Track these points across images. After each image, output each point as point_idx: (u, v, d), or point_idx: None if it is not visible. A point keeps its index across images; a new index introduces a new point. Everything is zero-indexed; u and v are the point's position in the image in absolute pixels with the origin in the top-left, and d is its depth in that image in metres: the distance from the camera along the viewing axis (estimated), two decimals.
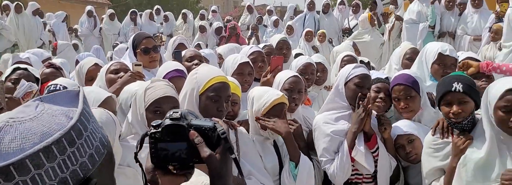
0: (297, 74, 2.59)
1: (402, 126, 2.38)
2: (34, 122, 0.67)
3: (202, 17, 10.68)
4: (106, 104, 1.98)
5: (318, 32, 7.33)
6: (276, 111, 2.17)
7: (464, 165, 1.97)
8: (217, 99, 1.94)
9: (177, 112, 0.95)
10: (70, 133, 0.68)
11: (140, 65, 2.70)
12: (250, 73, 2.83)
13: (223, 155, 0.94)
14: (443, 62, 2.77)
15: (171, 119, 0.94)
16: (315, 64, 3.27)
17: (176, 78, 2.53)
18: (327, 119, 2.38)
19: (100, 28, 10.33)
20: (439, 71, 2.77)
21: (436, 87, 2.21)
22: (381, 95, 2.51)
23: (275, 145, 2.28)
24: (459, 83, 2.00)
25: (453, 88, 2.01)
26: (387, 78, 2.67)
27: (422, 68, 2.87)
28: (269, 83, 2.74)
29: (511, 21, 5.56)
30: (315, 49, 6.82)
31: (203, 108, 1.95)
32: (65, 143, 0.67)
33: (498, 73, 2.83)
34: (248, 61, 2.86)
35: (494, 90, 1.88)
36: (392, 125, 2.40)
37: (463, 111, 2.00)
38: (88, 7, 10.62)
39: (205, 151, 0.92)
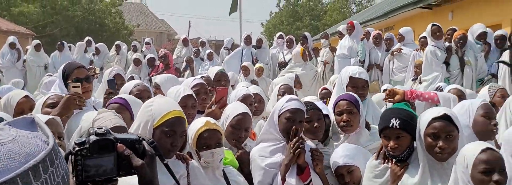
0: (246, 111, 2.58)
1: (342, 156, 2.44)
2: (14, 143, 0.71)
3: (135, 49, 10.43)
4: (50, 125, 1.84)
5: (256, 66, 7.46)
6: (205, 139, 2.13)
7: None
8: (172, 133, 1.89)
9: (101, 128, 0.99)
10: (51, 153, 0.73)
11: (78, 86, 2.54)
12: (193, 106, 2.79)
13: (151, 163, 1.02)
14: (355, 85, 3.00)
15: (97, 135, 0.97)
16: (253, 96, 3.31)
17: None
18: (262, 152, 2.41)
19: (24, 60, 9.69)
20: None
21: (379, 120, 2.30)
22: (315, 123, 2.55)
23: (225, 176, 2.23)
24: (397, 120, 2.09)
25: (390, 124, 2.10)
26: (315, 105, 2.71)
27: (341, 91, 3.06)
28: (214, 114, 2.71)
29: (429, 58, 6.10)
30: (255, 83, 6.91)
31: (157, 141, 1.87)
32: (48, 162, 0.71)
33: (421, 101, 3.07)
34: (192, 94, 2.82)
35: (423, 119, 2.04)
36: (334, 154, 2.47)
37: (399, 145, 2.11)
38: (10, 39, 9.92)
39: (138, 161, 0.99)
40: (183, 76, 8.41)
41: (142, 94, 3.04)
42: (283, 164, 2.30)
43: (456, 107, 2.51)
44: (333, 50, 7.58)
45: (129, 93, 3.02)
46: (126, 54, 10.34)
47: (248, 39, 8.80)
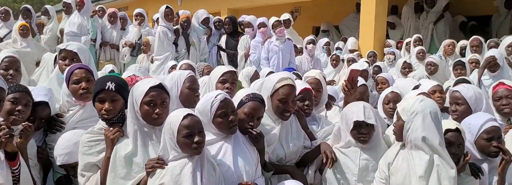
0: None
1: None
2: None
3: None
4: None
5: None
6: None
7: (114, 157, 2.14)
8: None
9: None
10: None
11: None
12: None
13: None
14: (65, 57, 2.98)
15: None
16: None
17: None
18: None
19: None
20: None
21: (95, 85, 2.31)
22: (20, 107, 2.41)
23: None
24: (113, 83, 2.19)
25: (106, 87, 2.18)
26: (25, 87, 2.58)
27: None
28: None
29: (161, 38, 6.43)
30: None
31: None
32: None
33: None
34: None
35: (140, 89, 2.13)
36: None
37: (114, 108, 2.19)
38: None
39: None
40: None
41: None
42: None
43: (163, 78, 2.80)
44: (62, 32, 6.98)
45: None
46: None
47: None
